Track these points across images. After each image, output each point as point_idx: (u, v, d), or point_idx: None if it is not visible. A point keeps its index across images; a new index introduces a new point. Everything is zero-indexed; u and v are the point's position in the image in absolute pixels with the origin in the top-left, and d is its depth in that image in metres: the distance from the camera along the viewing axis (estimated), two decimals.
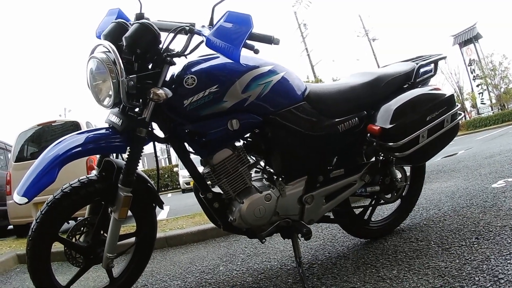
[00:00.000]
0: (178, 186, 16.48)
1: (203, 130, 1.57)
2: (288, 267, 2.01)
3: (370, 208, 2.19)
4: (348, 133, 1.85)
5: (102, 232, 1.66)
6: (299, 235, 1.76)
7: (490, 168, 3.86)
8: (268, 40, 1.48)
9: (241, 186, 1.65)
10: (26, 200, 1.42)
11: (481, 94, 20.22)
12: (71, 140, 1.53)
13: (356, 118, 1.89)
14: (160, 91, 1.46)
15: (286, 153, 1.74)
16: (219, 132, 1.57)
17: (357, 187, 1.95)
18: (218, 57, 1.60)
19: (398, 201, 2.28)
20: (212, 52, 1.48)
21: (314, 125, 1.75)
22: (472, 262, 1.51)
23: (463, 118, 20.70)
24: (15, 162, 5.70)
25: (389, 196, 2.14)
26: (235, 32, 1.36)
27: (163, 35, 1.54)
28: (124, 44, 1.49)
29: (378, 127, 1.81)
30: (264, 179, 1.84)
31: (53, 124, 5.94)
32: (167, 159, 27.25)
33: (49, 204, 1.52)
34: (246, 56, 1.59)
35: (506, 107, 18.20)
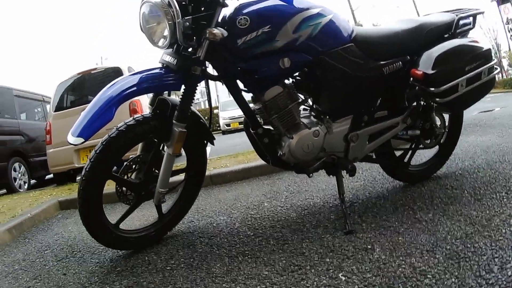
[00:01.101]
0: (218, 128, 16.86)
1: (256, 68, 1.69)
2: (330, 205, 2.16)
3: (410, 151, 2.29)
4: (392, 75, 1.94)
5: (154, 169, 1.81)
6: (344, 172, 1.91)
7: None
8: None
9: (291, 122, 1.78)
10: (82, 140, 1.51)
11: None
12: (126, 81, 1.64)
13: (400, 62, 1.97)
14: (216, 31, 1.57)
15: (333, 92, 1.85)
16: (271, 69, 1.68)
17: (399, 129, 2.06)
18: None
19: (436, 148, 2.38)
20: None
21: (360, 66, 1.83)
22: (500, 215, 1.59)
23: (500, 75, 19.97)
24: (55, 111, 5.79)
25: (428, 141, 2.24)
26: None
27: None
28: None
29: (421, 72, 1.88)
30: (312, 117, 1.95)
31: (93, 72, 6.00)
32: (206, 101, 27.33)
33: (104, 143, 1.64)
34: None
35: None
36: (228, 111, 15.88)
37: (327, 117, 1.86)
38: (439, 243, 1.44)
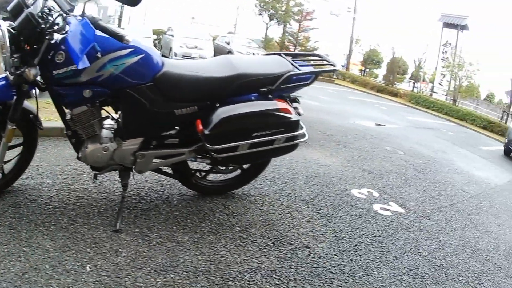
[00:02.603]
0: None
1: (64, 93, 2.05)
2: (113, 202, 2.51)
3: (206, 172, 2.75)
4: (185, 117, 2.23)
5: None
6: (131, 178, 2.37)
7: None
8: (119, 38, 1.83)
9: (91, 133, 2.15)
10: None
11: (443, 76, 20.69)
12: None
13: (197, 107, 2.24)
14: (31, 72, 1.91)
15: (127, 117, 2.20)
16: (76, 96, 2.04)
17: (186, 157, 2.39)
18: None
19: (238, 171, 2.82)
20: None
21: (153, 103, 2.14)
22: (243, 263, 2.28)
23: (411, 88, 20.94)
24: None
25: (223, 168, 2.69)
26: (81, 41, 1.77)
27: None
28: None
29: (201, 128, 2.18)
30: (113, 130, 2.27)
31: None
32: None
33: None
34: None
35: (457, 103, 18.38)
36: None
37: (119, 137, 2.22)
38: (170, 269, 1.89)
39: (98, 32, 1.84)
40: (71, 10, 1.94)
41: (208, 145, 2.19)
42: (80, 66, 1.75)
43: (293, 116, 2.33)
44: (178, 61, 2.45)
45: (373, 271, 2.31)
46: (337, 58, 26.26)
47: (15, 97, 2.06)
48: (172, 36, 15.03)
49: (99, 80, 1.99)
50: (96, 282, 1.71)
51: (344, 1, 24.74)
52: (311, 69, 2.58)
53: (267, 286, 1.97)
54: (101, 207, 2.39)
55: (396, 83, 22.02)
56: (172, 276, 1.86)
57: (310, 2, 23.50)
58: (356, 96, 14.87)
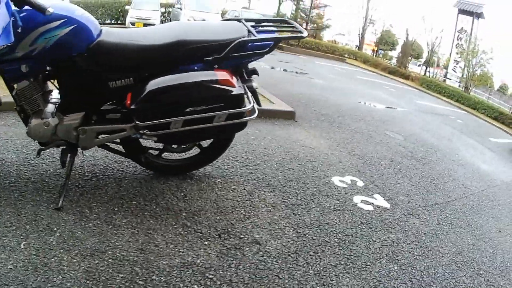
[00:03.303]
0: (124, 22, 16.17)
1: (5, 69, 1.97)
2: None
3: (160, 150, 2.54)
4: (120, 89, 2.06)
5: None
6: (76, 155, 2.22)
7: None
8: (41, 10, 1.71)
9: (36, 108, 2.06)
10: None
11: (456, 63, 20.04)
12: None
13: (132, 79, 2.05)
14: None
15: (64, 90, 2.09)
16: (15, 71, 1.95)
17: (129, 134, 2.16)
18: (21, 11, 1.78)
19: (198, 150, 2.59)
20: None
21: (87, 75, 2.02)
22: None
23: (423, 72, 20.69)
24: None
25: (174, 146, 2.48)
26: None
27: None
28: None
29: (129, 102, 2.02)
30: (57, 104, 2.13)
31: None
32: None
33: None
34: (53, 4, 1.81)
35: (469, 91, 17.90)
36: (138, 10, 14.95)
37: (60, 111, 2.08)
38: (96, 254, 1.74)
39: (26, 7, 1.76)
40: None
41: (137, 121, 2.01)
42: (1, 43, 1.66)
43: (235, 89, 2.04)
44: (120, 30, 2.20)
45: (332, 280, 1.93)
46: (351, 37, 25.44)
47: None
48: (180, 9, 14.95)
49: (33, 54, 1.90)
50: (26, 261, 1.65)
51: None
52: (270, 35, 2.24)
53: (195, 286, 1.69)
54: (52, 183, 2.25)
55: (408, 65, 21.20)
56: (96, 262, 1.72)
57: None
58: (365, 77, 14.19)
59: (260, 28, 2.31)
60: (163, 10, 16.91)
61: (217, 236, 2.02)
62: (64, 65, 1.99)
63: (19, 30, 1.77)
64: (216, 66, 2.07)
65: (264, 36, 2.16)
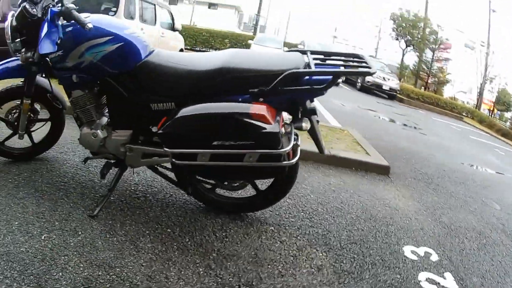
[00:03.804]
0: None
1: (59, 76, 2.15)
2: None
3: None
4: (161, 112, 2.02)
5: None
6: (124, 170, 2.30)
7: None
8: (82, 25, 1.89)
9: (88, 118, 2.18)
10: None
11: None
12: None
13: (173, 103, 2.00)
14: (24, 55, 2.14)
15: (109, 106, 2.19)
16: (67, 80, 2.11)
17: (170, 160, 2.08)
18: (70, 24, 2.00)
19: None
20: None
21: (130, 94, 2.06)
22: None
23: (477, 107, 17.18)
24: None
25: (226, 183, 2.36)
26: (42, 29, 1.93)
27: None
28: None
29: (159, 126, 1.97)
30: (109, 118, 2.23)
31: None
32: None
33: None
34: (100, 21, 2.04)
35: None
36: (260, 46, 15.43)
37: (110, 126, 2.19)
38: (104, 266, 1.74)
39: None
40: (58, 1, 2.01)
41: (164, 147, 1.95)
42: (41, 51, 1.89)
43: (269, 127, 1.78)
44: (172, 53, 2.22)
45: None
46: (472, 96, 23.25)
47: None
48: None
49: (82, 66, 2.01)
50: (39, 249, 1.75)
51: (481, 34, 21.58)
52: (329, 69, 1.98)
53: None
54: (100, 193, 2.36)
55: None
56: (100, 273, 1.69)
57: (445, 30, 21.14)
58: (478, 137, 12.64)
59: (324, 61, 2.08)
60: (286, 49, 17.45)
61: (237, 286, 1.78)
62: (108, 82, 2.06)
63: (58, 41, 1.91)
64: (262, 99, 1.89)
65: (321, 70, 1.93)
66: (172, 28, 8.32)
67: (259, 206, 2.44)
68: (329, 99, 10.27)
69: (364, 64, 1.99)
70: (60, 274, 1.63)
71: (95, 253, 1.81)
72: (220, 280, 1.81)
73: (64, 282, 1.58)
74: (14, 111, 2.46)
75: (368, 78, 14.99)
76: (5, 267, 1.60)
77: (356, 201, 3.18)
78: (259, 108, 1.78)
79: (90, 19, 1.93)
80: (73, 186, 2.37)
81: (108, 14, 5.59)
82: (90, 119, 2.17)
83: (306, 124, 1.97)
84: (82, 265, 1.71)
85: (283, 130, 1.90)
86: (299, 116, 2.01)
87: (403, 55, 23.10)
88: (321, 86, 1.90)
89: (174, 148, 1.92)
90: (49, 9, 1.95)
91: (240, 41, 17.97)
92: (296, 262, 2.09)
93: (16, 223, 1.92)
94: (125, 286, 1.64)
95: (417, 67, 21.53)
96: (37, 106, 2.52)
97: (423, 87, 19.10)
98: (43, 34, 1.88)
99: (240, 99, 1.91)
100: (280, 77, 1.81)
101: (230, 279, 1.83)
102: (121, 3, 5.71)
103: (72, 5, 1.94)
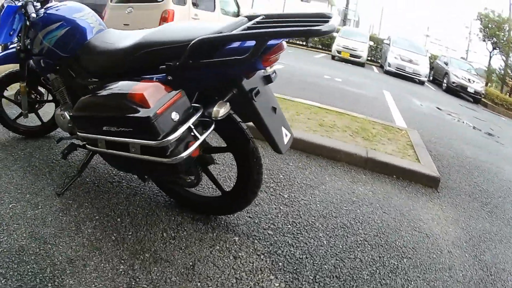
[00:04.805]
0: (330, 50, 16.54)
1: (34, 62, 2.36)
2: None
3: None
4: None
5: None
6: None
7: None
8: None
9: (63, 99, 2.24)
10: None
11: None
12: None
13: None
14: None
15: (68, 88, 2.21)
16: (37, 65, 2.29)
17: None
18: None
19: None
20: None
21: (77, 76, 2.07)
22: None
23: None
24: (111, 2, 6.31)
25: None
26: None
27: None
28: None
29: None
30: None
31: None
32: None
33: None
34: (59, 7, 2.17)
35: None
36: (345, 39, 15.10)
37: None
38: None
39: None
40: None
41: (77, 131, 1.84)
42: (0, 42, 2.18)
43: (143, 111, 1.45)
44: (117, 32, 2.12)
45: None
46: None
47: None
48: (388, 45, 15.01)
49: (43, 52, 2.13)
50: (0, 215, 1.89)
51: None
52: (253, 31, 1.51)
53: None
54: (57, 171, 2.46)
55: None
56: (33, 246, 1.73)
57: None
58: None
59: (267, 25, 1.60)
60: (371, 43, 16.87)
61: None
62: (61, 65, 2.12)
63: (11, 33, 2.15)
64: (170, 77, 1.60)
65: (237, 33, 1.49)
66: (237, 15, 8.06)
67: (225, 209, 2.14)
68: (409, 98, 9.27)
69: (317, 24, 1.40)
70: (5, 238, 1.73)
71: (41, 227, 1.85)
72: (133, 283, 1.61)
73: (4, 245, 1.69)
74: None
75: (453, 79, 13.98)
76: None
77: (375, 219, 2.56)
78: (140, 88, 1.49)
79: (54, 7, 2.16)
80: (61, 165, 2.48)
81: (157, 1, 5.55)
82: (64, 101, 2.22)
83: (218, 109, 1.55)
84: (25, 235, 1.78)
85: (173, 116, 1.51)
86: (224, 100, 1.61)
87: (490, 58, 20.50)
88: (244, 56, 1.47)
89: (80, 132, 1.76)
90: (7, 4, 2.15)
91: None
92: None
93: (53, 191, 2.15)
94: (46, 262, 1.64)
95: (503, 72, 18.92)
96: (41, 89, 2.69)
97: (507, 93, 16.74)
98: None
99: (155, 78, 1.66)
100: (188, 48, 1.50)
101: (145, 286, 1.61)
102: None
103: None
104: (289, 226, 2.21)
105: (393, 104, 7.44)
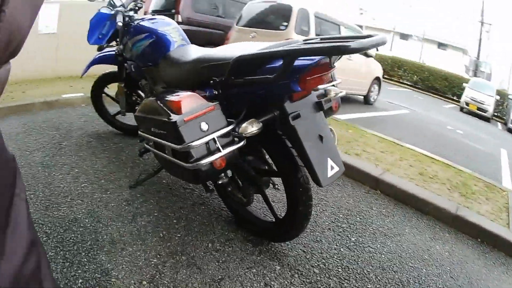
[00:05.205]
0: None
1: (129, 66, 2.63)
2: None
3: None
4: None
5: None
6: None
7: None
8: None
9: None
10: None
11: None
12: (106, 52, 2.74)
13: None
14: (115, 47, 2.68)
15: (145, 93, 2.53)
16: (131, 69, 2.56)
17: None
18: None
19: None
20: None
21: (154, 84, 2.32)
22: None
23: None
24: (236, 25, 6.41)
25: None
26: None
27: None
28: None
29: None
30: None
31: (266, 2, 6.21)
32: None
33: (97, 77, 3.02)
34: (150, 21, 2.41)
35: None
36: (474, 91, 14.29)
37: None
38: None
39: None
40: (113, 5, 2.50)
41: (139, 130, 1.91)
42: (90, 43, 2.45)
43: (174, 116, 1.48)
44: (193, 47, 2.21)
45: None
46: None
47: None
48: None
49: (133, 58, 2.39)
50: (70, 189, 2.17)
51: None
52: (281, 48, 1.44)
53: None
54: (120, 167, 2.68)
55: None
56: (76, 224, 1.89)
57: None
58: None
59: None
60: (498, 97, 15.49)
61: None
62: (145, 72, 2.35)
63: (100, 37, 2.40)
64: (216, 92, 1.65)
65: (268, 51, 1.45)
66: (365, 53, 7.89)
67: (275, 236, 2.04)
68: None
69: (348, 40, 1.27)
70: (65, 208, 2.01)
71: (101, 209, 2.05)
72: (157, 277, 1.65)
73: (61, 213, 1.94)
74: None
75: None
76: (46, 191, 2.16)
77: (438, 283, 2.07)
78: (182, 96, 1.55)
79: (145, 19, 2.39)
80: (145, 163, 2.69)
81: (280, 29, 5.83)
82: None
83: (247, 126, 1.51)
84: (83, 211, 2.00)
85: (201, 125, 1.50)
86: (260, 120, 1.57)
87: None
88: (273, 76, 1.44)
89: (140, 131, 1.82)
90: (99, 10, 2.44)
91: (457, 84, 17.50)
92: None
93: (77, 170, 2.42)
94: (91, 236, 1.83)
95: None
96: (141, 92, 2.82)
97: None
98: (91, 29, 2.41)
99: (207, 91, 1.71)
100: (230, 65, 1.52)
101: (166, 282, 1.63)
102: (291, 20, 5.85)
103: (122, 8, 2.42)
104: (340, 270, 2.02)
105: (506, 163, 6.52)
